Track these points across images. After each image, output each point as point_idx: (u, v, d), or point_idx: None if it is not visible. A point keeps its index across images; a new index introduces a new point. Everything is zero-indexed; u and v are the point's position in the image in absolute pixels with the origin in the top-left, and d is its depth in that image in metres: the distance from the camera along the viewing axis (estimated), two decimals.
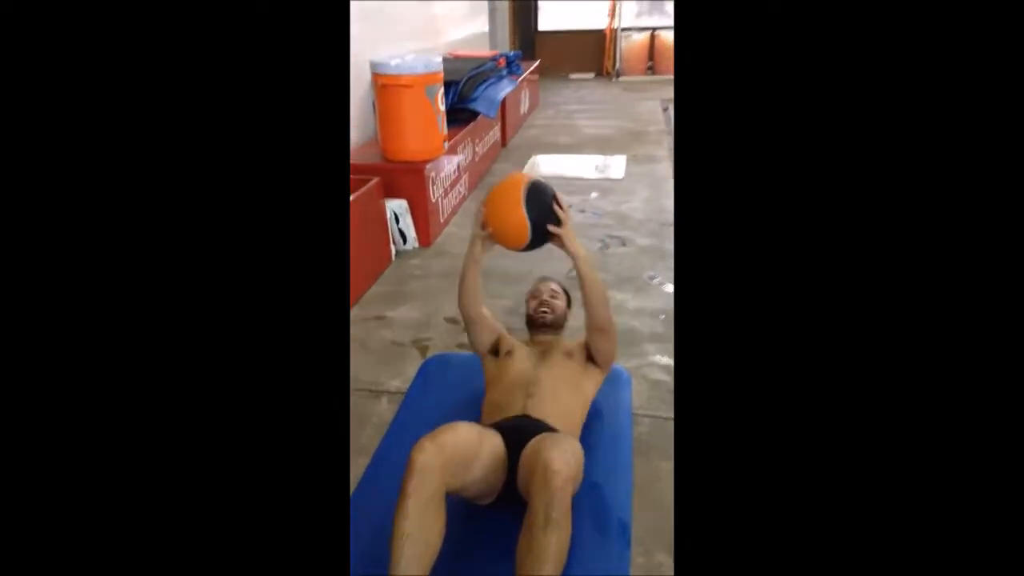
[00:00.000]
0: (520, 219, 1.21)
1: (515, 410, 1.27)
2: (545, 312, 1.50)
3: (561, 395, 1.31)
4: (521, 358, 1.40)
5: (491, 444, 1.14)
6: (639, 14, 7.69)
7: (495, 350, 1.45)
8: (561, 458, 1.01)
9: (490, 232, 1.29)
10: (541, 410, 1.26)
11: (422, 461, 0.99)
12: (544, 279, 1.61)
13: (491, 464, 1.12)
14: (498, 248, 1.33)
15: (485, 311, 1.44)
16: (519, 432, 1.18)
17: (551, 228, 1.24)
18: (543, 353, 1.41)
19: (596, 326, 1.35)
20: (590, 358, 1.41)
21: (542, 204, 1.23)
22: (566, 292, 1.60)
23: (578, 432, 1.31)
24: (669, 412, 1.81)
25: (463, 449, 1.07)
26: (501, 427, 1.21)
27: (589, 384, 1.40)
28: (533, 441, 1.11)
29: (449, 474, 1.02)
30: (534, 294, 1.56)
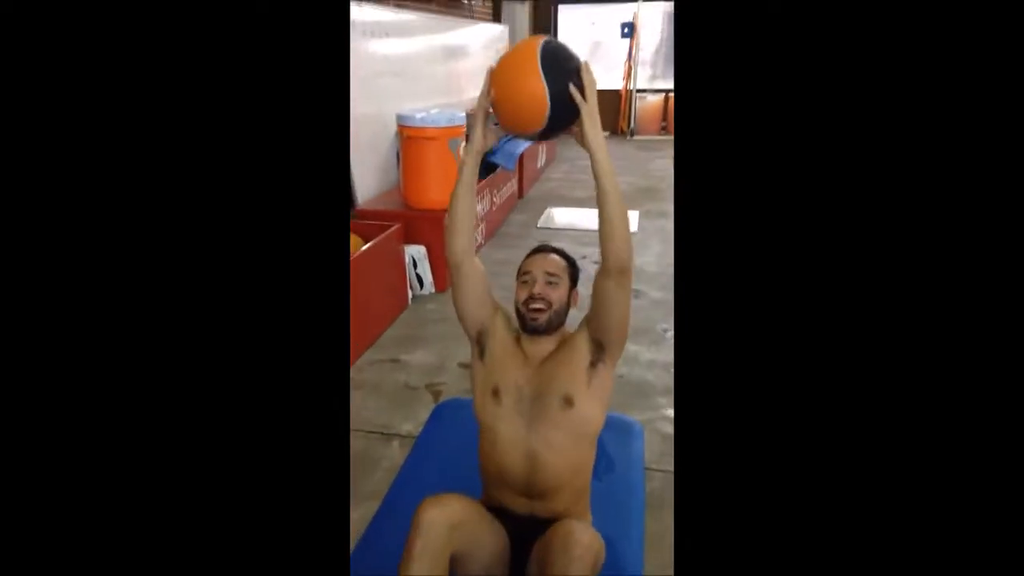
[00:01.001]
0: (537, 88, 0.91)
1: (519, 480, 1.11)
2: (538, 311, 1.10)
3: (568, 449, 1.09)
4: (515, 370, 1.11)
5: (496, 535, 1.07)
6: (653, 77, 7.99)
7: (482, 337, 1.15)
8: (584, 530, 0.95)
9: (496, 106, 0.98)
10: (551, 495, 1.10)
11: (428, 519, 0.95)
12: (540, 250, 1.17)
13: (495, 549, 1.05)
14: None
15: (479, 263, 1.11)
16: (527, 530, 1.07)
17: (574, 95, 0.93)
18: (544, 359, 1.12)
19: (614, 265, 0.99)
20: (597, 347, 1.09)
21: (564, 70, 0.93)
22: (570, 263, 1.16)
23: (588, 480, 1.19)
24: None
25: (469, 521, 1.01)
26: (505, 520, 1.11)
27: (601, 394, 1.10)
28: (546, 535, 1.00)
29: (456, 537, 0.97)
30: (524, 276, 1.13)
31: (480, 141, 1.05)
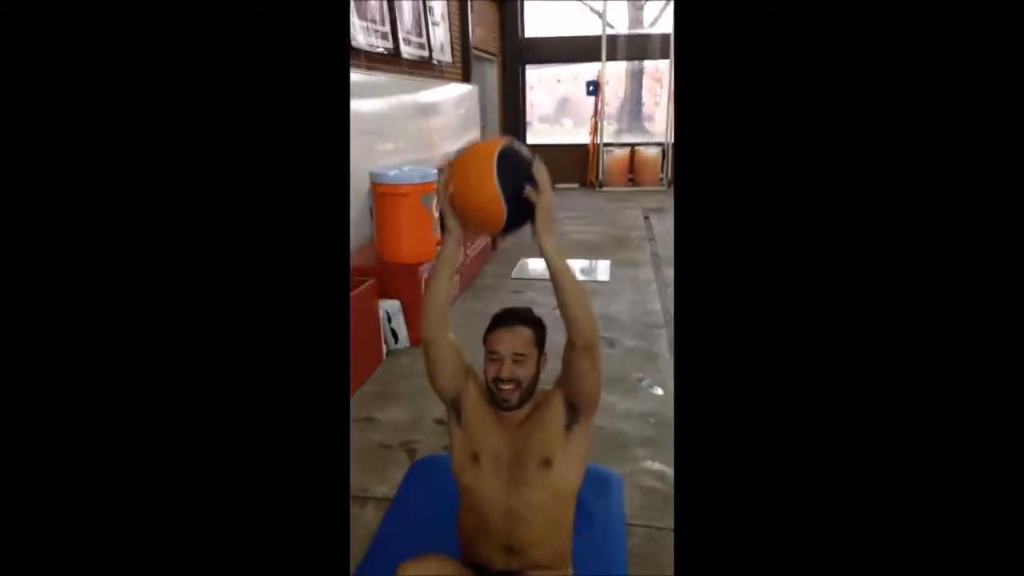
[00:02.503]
0: (492, 193, 0.95)
1: (498, 538, 1.11)
2: (508, 391, 1.09)
3: (548, 507, 1.10)
4: (488, 457, 1.11)
5: None
6: (619, 131, 8.33)
7: (457, 402, 1.16)
8: None
9: (458, 211, 1.01)
10: (530, 551, 1.10)
11: None
12: (506, 321, 1.13)
13: None
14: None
15: (453, 338, 1.13)
16: None
17: (528, 195, 0.96)
18: (518, 446, 1.11)
19: (581, 344, 1.01)
20: (571, 406, 1.10)
21: (518, 172, 0.96)
22: (536, 328, 1.13)
23: (569, 534, 1.17)
24: (664, 522, 1.76)
25: None
26: None
27: (578, 454, 1.11)
28: None
29: None
30: (492, 354, 1.11)
31: (456, 228, 1.05)
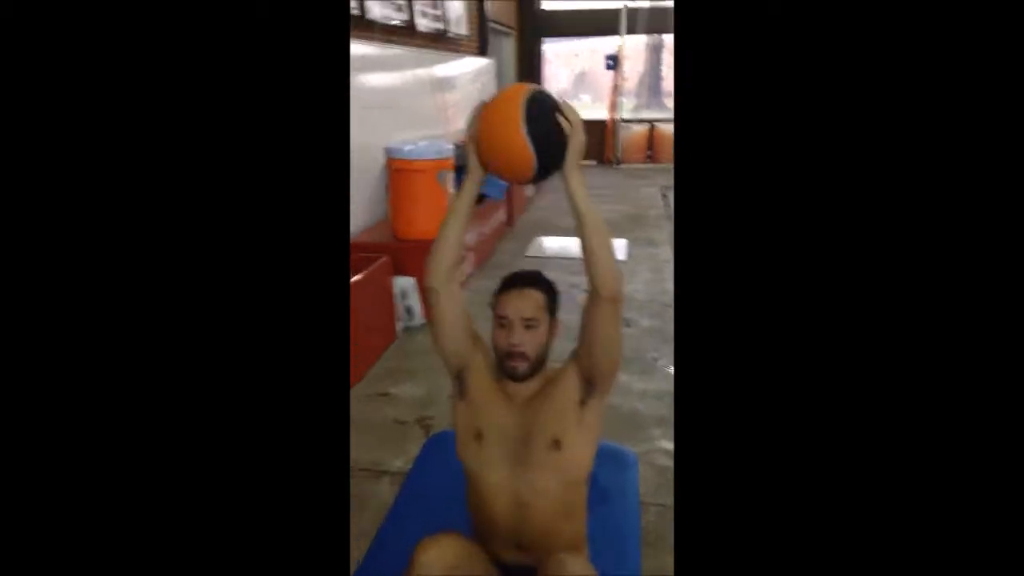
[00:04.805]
0: (519, 139, 0.93)
1: (507, 533, 1.08)
2: (516, 360, 1.03)
3: (558, 494, 1.04)
4: (493, 435, 1.05)
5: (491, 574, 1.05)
6: (638, 107, 8.17)
7: (461, 374, 1.10)
8: (575, 561, 0.94)
9: (486, 160, 0.98)
10: (542, 543, 1.06)
11: (425, 561, 0.94)
12: (515, 283, 1.06)
13: None
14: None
15: (459, 290, 1.07)
16: None
17: (562, 124, 0.93)
18: (526, 399, 1.06)
19: (606, 294, 0.95)
20: (587, 379, 1.03)
21: (547, 116, 0.94)
22: (548, 292, 1.07)
23: (583, 516, 1.14)
24: None
25: (467, 565, 0.99)
26: (499, 567, 1.09)
27: (591, 434, 1.06)
28: (540, 566, 0.98)
29: None
30: (500, 319, 1.04)
31: (478, 170, 1.01)
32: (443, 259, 1.03)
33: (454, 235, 1.03)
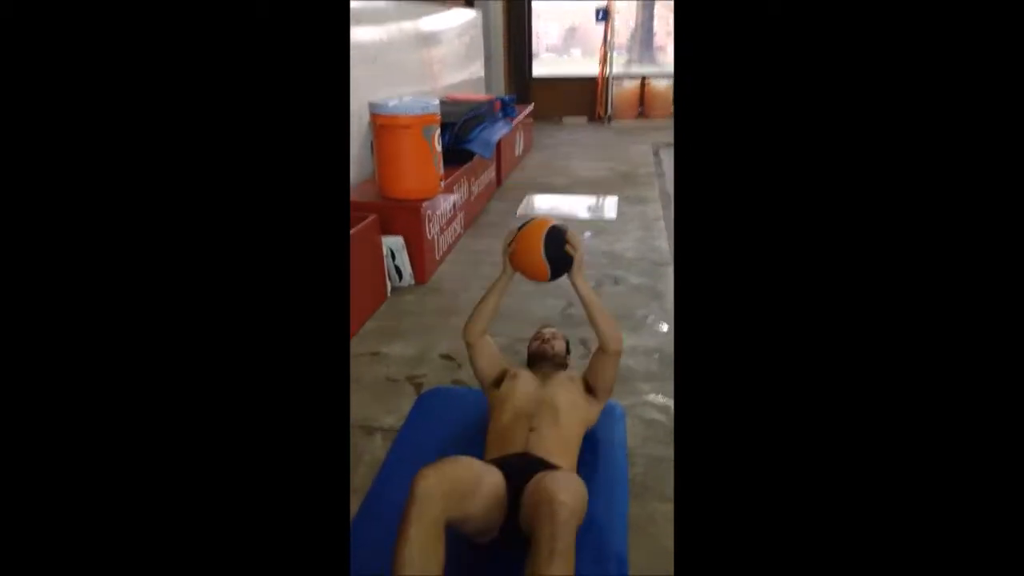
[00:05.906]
0: (540, 261, 1.44)
1: (518, 443, 1.30)
2: (548, 347, 1.65)
3: (563, 420, 1.35)
4: (526, 380, 1.48)
5: (492, 479, 1.14)
6: (629, 62, 7.98)
7: (499, 381, 1.52)
8: (567, 490, 1.03)
9: (516, 266, 1.48)
10: (543, 445, 1.29)
11: (424, 488, 1.00)
12: (546, 326, 1.81)
13: (492, 498, 1.12)
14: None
15: (490, 339, 1.56)
16: (520, 470, 1.19)
17: (568, 250, 1.42)
18: (546, 375, 1.52)
19: (611, 351, 1.46)
20: (588, 390, 1.50)
21: (558, 247, 1.45)
22: (565, 339, 1.74)
23: (576, 462, 1.34)
24: (664, 452, 1.80)
25: (465, 480, 1.07)
26: (502, 464, 1.22)
27: (588, 412, 1.47)
28: (537, 477, 1.12)
29: (451, 503, 1.02)
30: (536, 336, 1.73)
31: (510, 271, 1.50)
32: (478, 325, 1.52)
33: (488, 310, 1.51)
